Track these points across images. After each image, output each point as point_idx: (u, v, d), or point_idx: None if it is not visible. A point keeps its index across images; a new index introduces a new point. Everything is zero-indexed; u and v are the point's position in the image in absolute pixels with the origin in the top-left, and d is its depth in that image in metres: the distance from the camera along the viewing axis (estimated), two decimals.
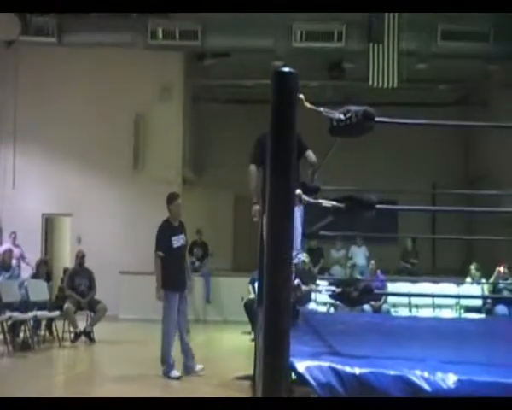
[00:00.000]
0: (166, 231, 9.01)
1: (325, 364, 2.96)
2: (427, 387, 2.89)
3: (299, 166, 5.82)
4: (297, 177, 5.68)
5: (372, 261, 15.06)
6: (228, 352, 10.48)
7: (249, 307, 12.08)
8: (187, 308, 9.26)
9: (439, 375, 2.92)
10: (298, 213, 5.29)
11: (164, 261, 8.89)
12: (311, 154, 5.96)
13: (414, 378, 2.92)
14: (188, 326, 9.18)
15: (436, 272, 18.25)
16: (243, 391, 7.22)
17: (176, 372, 8.74)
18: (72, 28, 16.92)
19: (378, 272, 14.57)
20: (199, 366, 8.96)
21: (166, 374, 8.76)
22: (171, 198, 9.24)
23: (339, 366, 2.95)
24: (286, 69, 3.02)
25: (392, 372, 2.94)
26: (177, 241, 8.97)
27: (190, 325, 9.41)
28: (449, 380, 2.90)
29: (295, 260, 5.38)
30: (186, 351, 9.00)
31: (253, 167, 6.14)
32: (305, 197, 4.05)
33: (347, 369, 2.94)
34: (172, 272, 8.85)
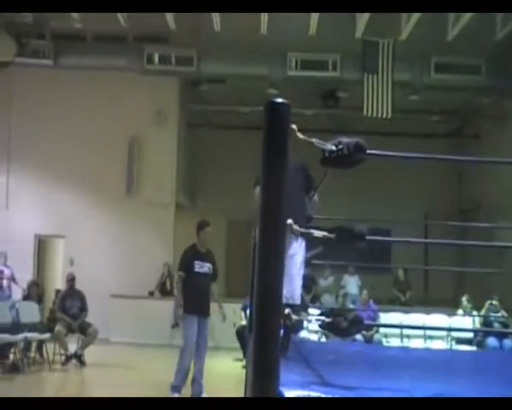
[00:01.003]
0: (190, 254, 9.05)
1: (314, 394, 2.96)
2: None
3: (305, 200, 5.77)
4: (304, 210, 5.62)
5: (364, 291, 15.04)
6: (219, 379, 10.44)
7: (241, 333, 12.05)
8: (206, 336, 9.06)
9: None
10: (299, 247, 5.22)
11: (185, 284, 8.91)
12: (316, 199, 5.89)
13: None
14: (203, 356, 8.98)
15: (428, 302, 18.25)
16: None
17: (176, 395, 8.69)
18: (68, 51, 17.06)
19: (370, 301, 14.56)
20: (176, 395, 8.78)
21: (170, 391, 8.75)
22: (202, 225, 9.21)
23: (328, 397, 2.95)
24: (279, 100, 3.00)
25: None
26: (201, 267, 8.96)
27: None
28: None
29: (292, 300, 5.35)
30: (195, 377, 8.91)
31: (257, 190, 6.10)
32: (296, 227, 4.07)
33: None
34: (191, 295, 8.83)
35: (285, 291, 3.74)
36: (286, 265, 3.07)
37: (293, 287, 5.31)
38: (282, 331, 5.40)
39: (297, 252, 5.16)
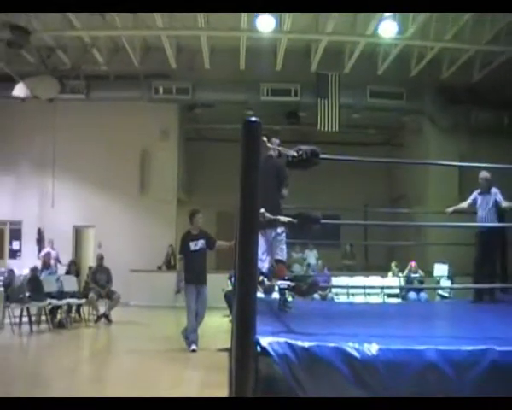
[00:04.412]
0: (186, 238, 8.86)
1: (282, 339, 2.96)
2: (356, 354, 2.90)
3: (279, 194, 5.64)
4: (278, 202, 5.53)
5: (320, 261, 15.06)
6: (212, 331, 10.43)
7: (228, 296, 11.99)
8: (203, 300, 8.75)
9: (366, 345, 2.93)
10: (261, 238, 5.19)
11: (184, 261, 8.74)
12: (285, 192, 5.79)
13: (347, 348, 2.93)
14: (200, 316, 8.72)
15: (368, 268, 18.34)
16: (222, 360, 7.19)
17: (193, 346, 8.50)
18: (96, 87, 17.09)
19: (325, 269, 14.59)
20: (193, 347, 8.53)
21: (188, 347, 8.53)
22: (194, 212, 9.03)
23: (293, 341, 2.95)
24: (253, 118, 3.00)
25: (331, 344, 2.95)
26: (195, 245, 8.75)
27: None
28: (373, 349, 2.91)
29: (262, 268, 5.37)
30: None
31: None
32: (267, 215, 4.06)
33: (299, 343, 2.94)
34: (189, 269, 8.65)
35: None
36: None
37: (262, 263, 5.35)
38: (282, 298, 5.46)
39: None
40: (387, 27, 13.79)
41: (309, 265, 16.22)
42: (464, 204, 7.65)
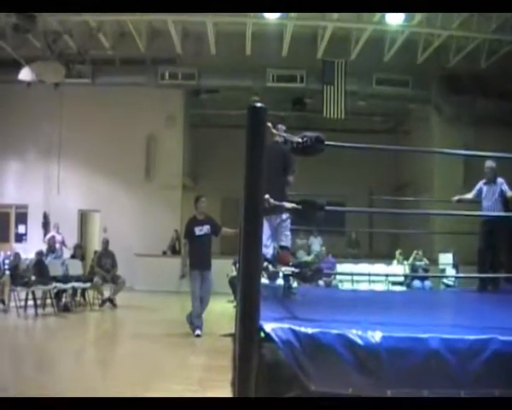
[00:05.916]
0: (191, 223, 8.75)
1: (286, 325, 2.94)
2: (360, 341, 2.88)
3: (283, 180, 5.59)
4: (282, 188, 5.49)
5: (323, 247, 15.05)
6: (216, 316, 10.44)
7: (232, 282, 12.03)
8: (208, 285, 8.65)
9: (370, 333, 2.91)
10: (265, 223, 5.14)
11: (190, 246, 8.65)
12: (291, 179, 5.77)
13: (351, 335, 2.91)
14: (205, 302, 8.64)
15: (372, 255, 18.33)
16: (227, 345, 7.21)
17: (198, 331, 8.45)
18: (102, 72, 17.05)
19: (329, 255, 14.59)
20: (197, 332, 8.48)
21: (192, 332, 8.50)
22: (198, 198, 8.97)
23: (296, 327, 2.93)
24: (258, 104, 2.96)
25: (335, 331, 2.93)
26: (200, 230, 8.64)
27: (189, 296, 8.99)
28: (376, 336, 2.89)
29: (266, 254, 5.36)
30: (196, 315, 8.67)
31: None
32: (271, 200, 4.03)
33: (302, 329, 2.92)
34: (194, 254, 8.58)
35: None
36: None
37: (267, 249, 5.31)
38: (286, 284, 5.44)
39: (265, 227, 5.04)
40: (394, 14, 13.70)
41: (317, 255, 16.16)
42: (469, 195, 7.63)
